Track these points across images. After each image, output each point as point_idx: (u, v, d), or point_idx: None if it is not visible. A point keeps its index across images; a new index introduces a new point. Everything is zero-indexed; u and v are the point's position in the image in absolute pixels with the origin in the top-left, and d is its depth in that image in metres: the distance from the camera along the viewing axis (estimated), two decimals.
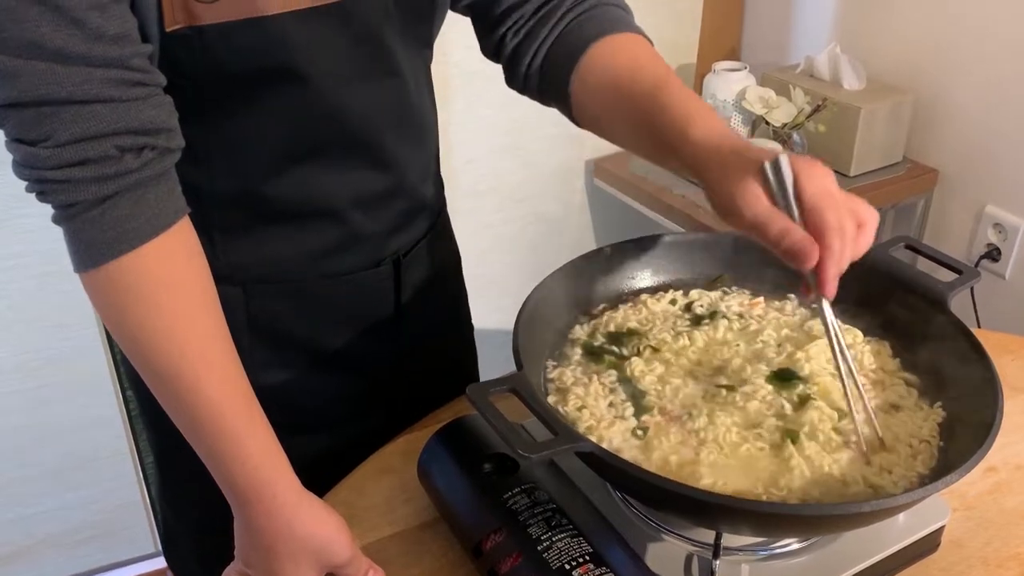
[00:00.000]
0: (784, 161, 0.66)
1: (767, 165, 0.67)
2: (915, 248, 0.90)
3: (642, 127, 0.79)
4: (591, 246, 0.86)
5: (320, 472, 0.85)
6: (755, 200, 0.67)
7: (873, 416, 0.74)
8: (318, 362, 0.93)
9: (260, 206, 0.83)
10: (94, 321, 1.66)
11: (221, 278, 0.83)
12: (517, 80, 0.89)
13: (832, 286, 0.67)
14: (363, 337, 0.94)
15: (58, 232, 0.67)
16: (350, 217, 0.86)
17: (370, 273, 0.91)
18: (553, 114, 0.90)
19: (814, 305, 0.71)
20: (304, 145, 0.81)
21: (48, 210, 0.67)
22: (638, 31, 0.86)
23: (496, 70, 0.91)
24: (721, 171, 0.70)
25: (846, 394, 0.73)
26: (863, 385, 0.77)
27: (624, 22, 0.85)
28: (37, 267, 1.59)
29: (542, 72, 0.86)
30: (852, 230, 0.67)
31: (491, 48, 0.90)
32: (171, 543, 1.10)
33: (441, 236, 1.02)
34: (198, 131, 0.76)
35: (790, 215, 0.67)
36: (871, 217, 0.69)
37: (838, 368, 0.72)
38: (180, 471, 0.73)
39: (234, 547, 0.75)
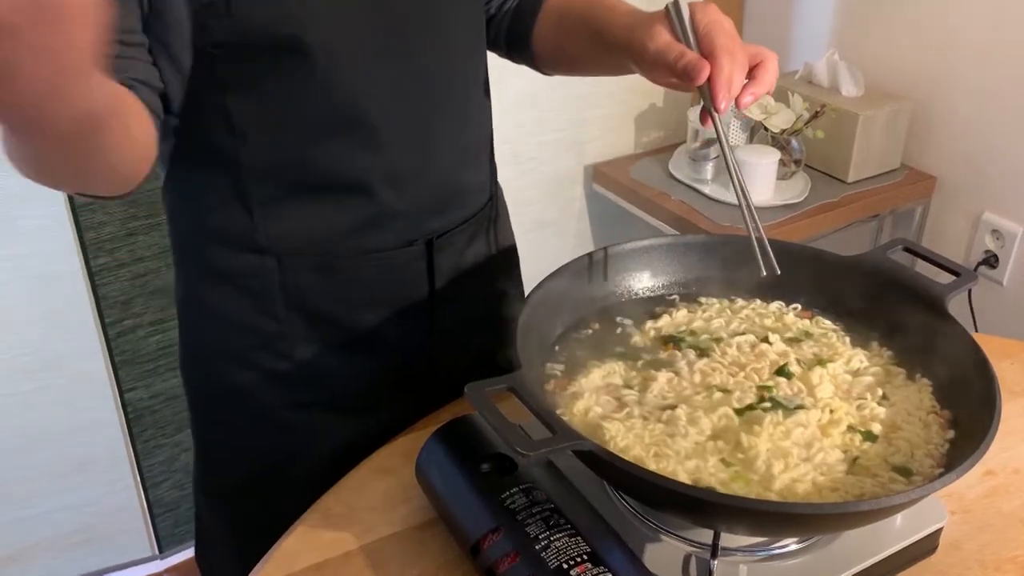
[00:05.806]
0: (683, 1, 0.80)
1: (668, 5, 0.80)
2: (913, 251, 0.90)
3: (583, 38, 0.93)
4: (590, 251, 0.88)
5: (349, 456, 0.86)
6: (659, 35, 0.80)
7: (761, 229, 0.77)
8: (350, 342, 0.94)
9: (294, 178, 0.85)
10: (93, 324, 1.66)
11: (258, 249, 0.86)
12: (488, 41, 1.00)
13: (722, 99, 0.76)
14: (395, 320, 0.94)
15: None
16: (381, 193, 0.88)
17: (400, 252, 0.91)
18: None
19: (707, 129, 0.83)
20: (334, 119, 0.83)
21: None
22: None
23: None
24: (637, 31, 0.83)
25: (741, 206, 0.77)
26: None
27: None
28: (36, 268, 1.57)
29: (508, 32, 1.01)
30: (743, 57, 0.77)
31: None
32: (204, 543, 1.09)
33: (489, 228, 1.01)
34: (234, 101, 0.79)
35: (688, 45, 0.79)
36: (770, 55, 0.80)
37: (732, 175, 0.78)
38: (221, 457, 0.73)
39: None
